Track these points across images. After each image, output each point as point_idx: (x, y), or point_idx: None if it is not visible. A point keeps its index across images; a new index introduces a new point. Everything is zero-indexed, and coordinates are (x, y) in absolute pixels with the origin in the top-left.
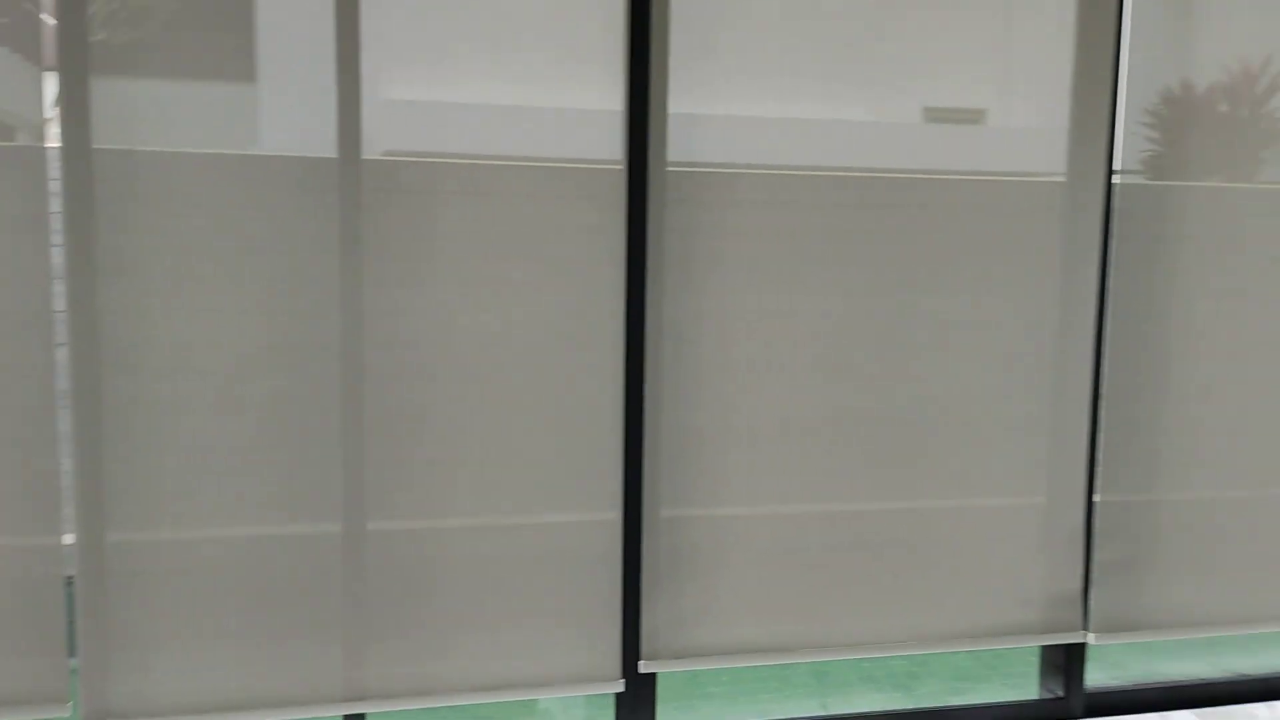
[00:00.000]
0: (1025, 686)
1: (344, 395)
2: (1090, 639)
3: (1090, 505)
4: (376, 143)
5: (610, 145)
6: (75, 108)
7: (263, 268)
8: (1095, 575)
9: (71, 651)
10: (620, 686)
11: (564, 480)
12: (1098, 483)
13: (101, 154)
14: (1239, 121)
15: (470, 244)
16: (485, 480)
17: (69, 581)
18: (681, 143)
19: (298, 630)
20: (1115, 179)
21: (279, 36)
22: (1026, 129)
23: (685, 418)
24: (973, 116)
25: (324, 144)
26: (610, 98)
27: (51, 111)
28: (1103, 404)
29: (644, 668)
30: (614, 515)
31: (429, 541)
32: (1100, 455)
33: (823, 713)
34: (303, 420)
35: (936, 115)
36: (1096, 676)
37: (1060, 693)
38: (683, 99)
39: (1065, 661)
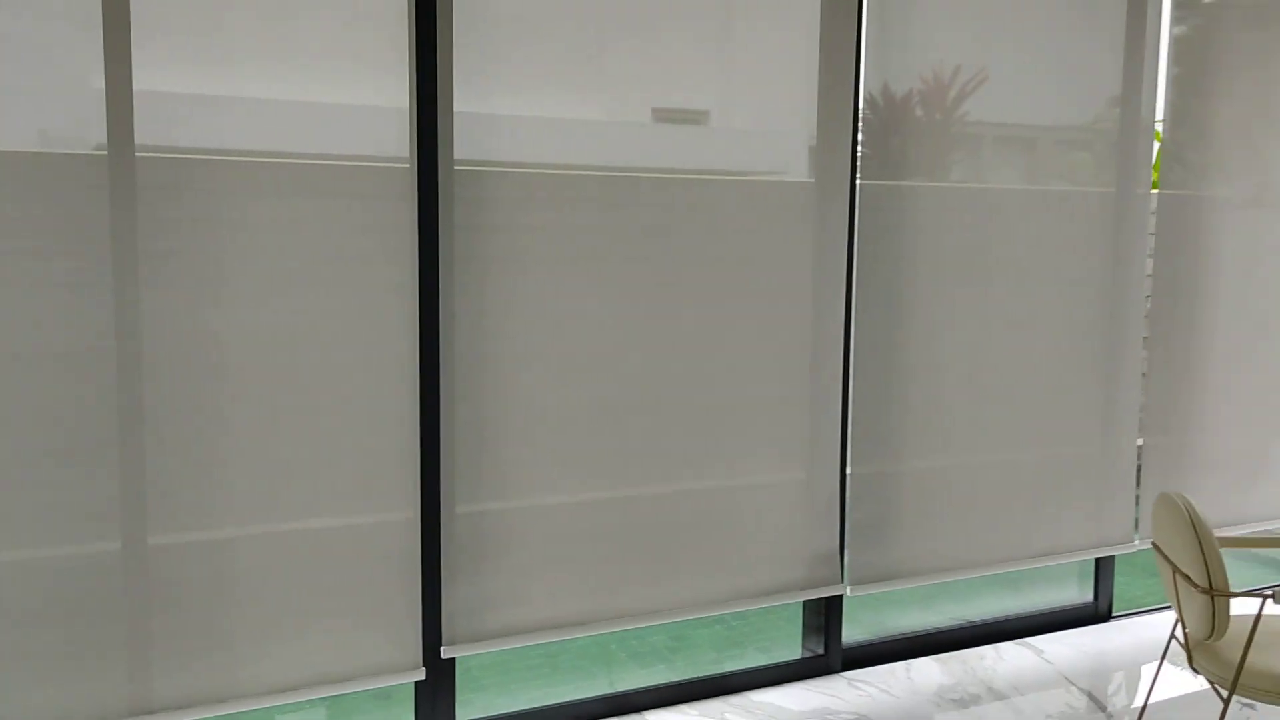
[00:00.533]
0: (779, 651)
1: (121, 404)
2: (848, 591)
3: (844, 476)
4: (148, 137)
5: (398, 143)
6: None
7: (25, 269)
8: (849, 537)
9: None
10: (421, 674)
11: (361, 481)
12: (849, 456)
13: None
14: (934, 126)
15: (256, 243)
16: (278, 485)
17: None
18: (465, 141)
19: (77, 650)
20: (858, 180)
21: (39, 29)
22: (780, 133)
23: (479, 413)
24: (696, 118)
25: (92, 138)
26: (396, 95)
27: None
28: (851, 385)
29: (445, 653)
30: (412, 514)
31: (218, 551)
32: (850, 431)
33: (609, 690)
34: (76, 432)
35: (670, 116)
36: (850, 633)
37: (820, 650)
38: (467, 98)
39: (824, 622)
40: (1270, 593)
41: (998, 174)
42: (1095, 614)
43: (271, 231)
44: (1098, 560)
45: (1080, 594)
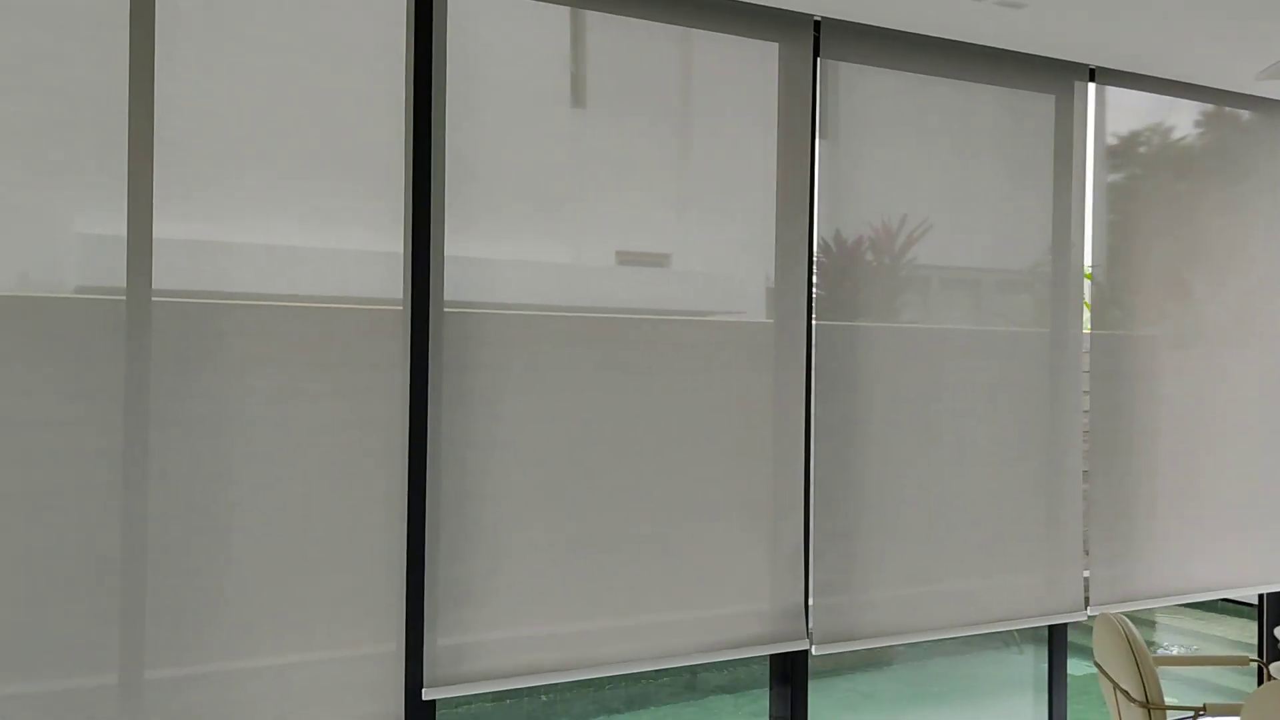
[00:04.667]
0: None
1: (125, 541)
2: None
3: (808, 574)
4: (164, 282)
5: (392, 286)
6: None
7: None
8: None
9: None
10: None
11: (350, 615)
12: (810, 592)
13: None
14: (883, 270)
15: (261, 382)
16: (273, 620)
17: None
18: (453, 284)
19: None
20: (814, 320)
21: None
22: (738, 275)
23: (463, 547)
24: (658, 260)
25: (70, 281)
26: (392, 242)
27: None
28: (811, 522)
29: (427, 695)
30: (395, 646)
31: (213, 685)
32: (811, 567)
33: None
34: (79, 568)
35: (633, 259)
36: None
37: None
38: (456, 244)
39: None
40: (1202, 707)
41: (943, 314)
42: None
43: (276, 371)
44: (1051, 690)
45: (1035, 716)
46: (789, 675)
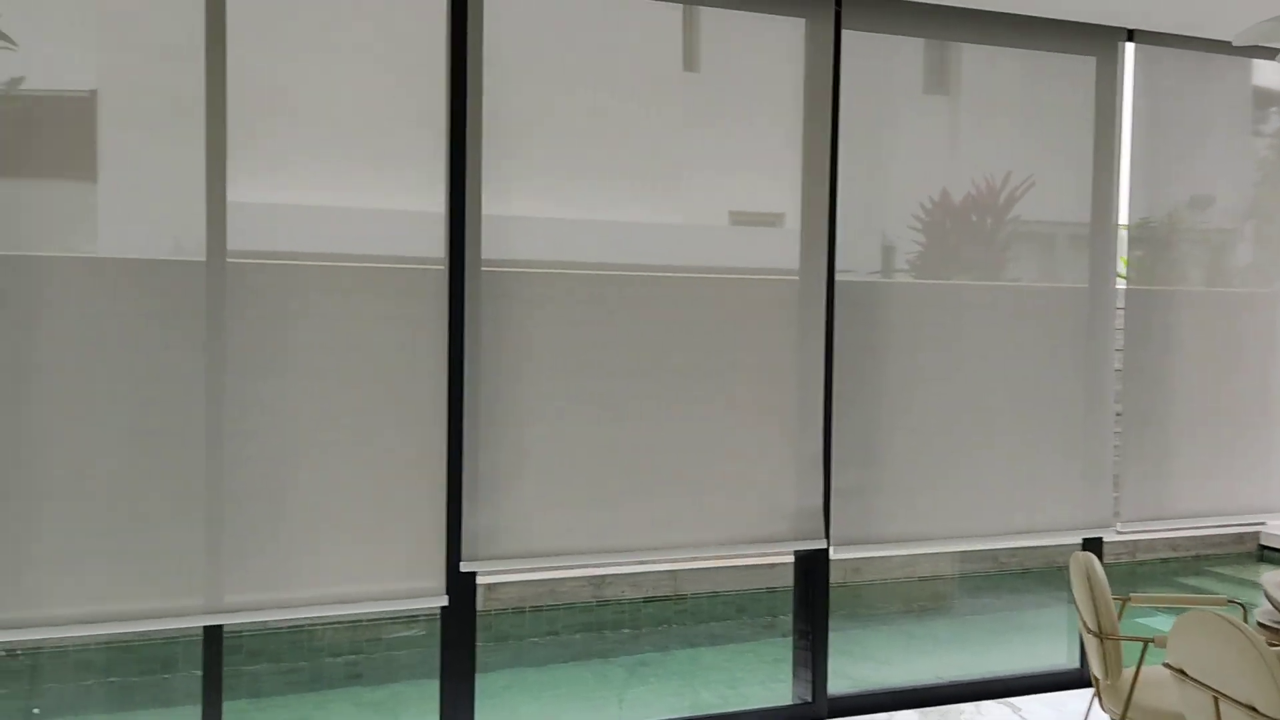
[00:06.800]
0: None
1: (208, 479)
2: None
3: (828, 488)
4: (236, 244)
5: (433, 245)
6: None
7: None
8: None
9: None
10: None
11: (391, 559)
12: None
13: None
14: (987, 228)
15: (319, 336)
16: (330, 552)
17: None
18: (495, 242)
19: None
20: (837, 276)
21: (126, 142)
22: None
23: (500, 499)
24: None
25: (189, 247)
26: (434, 204)
27: None
28: (834, 420)
29: (465, 567)
30: (437, 583)
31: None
32: (833, 462)
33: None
34: (168, 497)
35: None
36: (838, 684)
37: (809, 698)
38: (496, 202)
39: (812, 673)
40: (1153, 639)
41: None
42: (1081, 679)
43: (333, 325)
44: None
45: (1069, 661)
46: (809, 590)
